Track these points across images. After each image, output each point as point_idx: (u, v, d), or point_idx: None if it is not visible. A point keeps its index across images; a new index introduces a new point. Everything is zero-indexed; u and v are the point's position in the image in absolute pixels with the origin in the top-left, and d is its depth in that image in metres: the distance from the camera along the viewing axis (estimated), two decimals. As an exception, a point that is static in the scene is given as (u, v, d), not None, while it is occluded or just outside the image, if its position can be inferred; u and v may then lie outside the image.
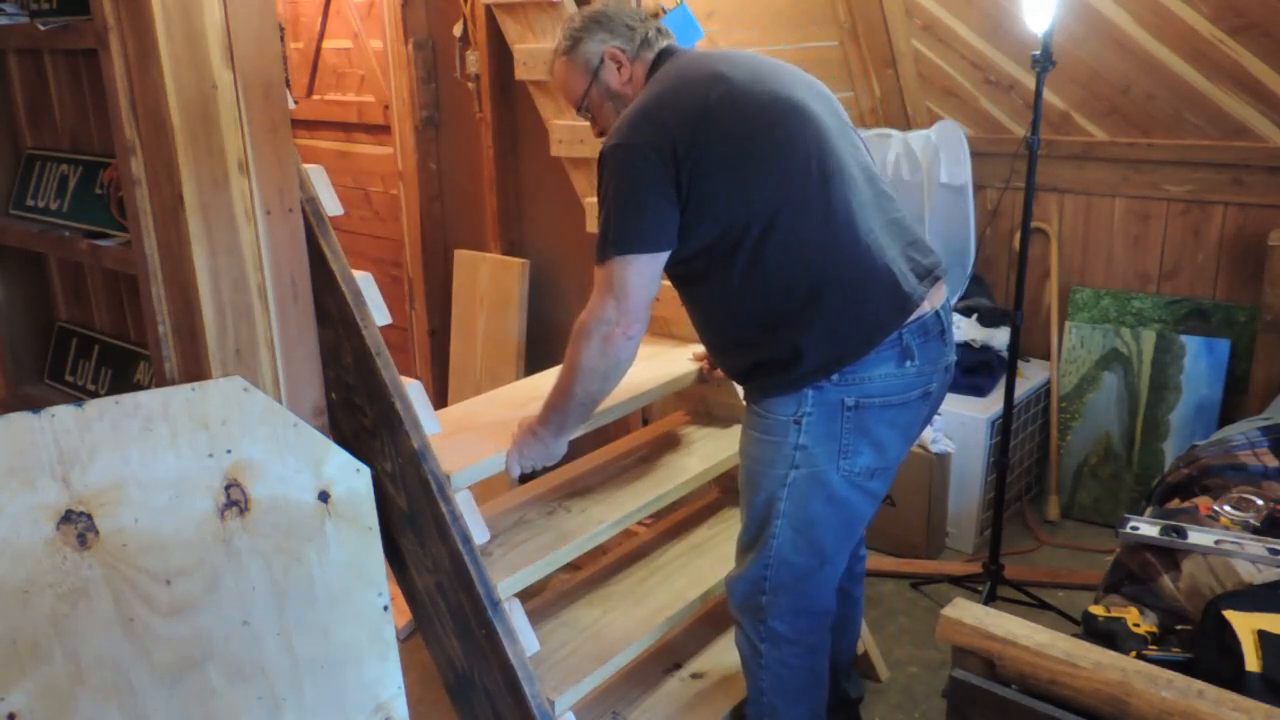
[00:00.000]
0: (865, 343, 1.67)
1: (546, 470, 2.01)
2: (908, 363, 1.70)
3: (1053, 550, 3.16)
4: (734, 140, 1.67)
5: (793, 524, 1.77)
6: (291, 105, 1.64)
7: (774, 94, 1.72)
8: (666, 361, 2.33)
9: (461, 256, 3.09)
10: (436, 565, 1.85)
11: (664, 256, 1.71)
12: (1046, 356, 3.47)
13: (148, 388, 1.74)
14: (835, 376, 1.68)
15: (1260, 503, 1.85)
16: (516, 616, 1.84)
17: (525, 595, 1.91)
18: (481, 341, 3.04)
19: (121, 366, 1.96)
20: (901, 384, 1.71)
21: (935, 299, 1.76)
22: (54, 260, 2.09)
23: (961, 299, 3.51)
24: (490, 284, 3.00)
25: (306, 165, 1.71)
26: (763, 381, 1.75)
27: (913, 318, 1.70)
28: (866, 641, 2.51)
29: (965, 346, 3.30)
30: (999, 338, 3.32)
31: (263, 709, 1.57)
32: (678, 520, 2.53)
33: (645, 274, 1.70)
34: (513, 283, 2.97)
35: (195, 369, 1.60)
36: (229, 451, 1.53)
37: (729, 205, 1.67)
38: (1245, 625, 1.47)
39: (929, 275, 1.76)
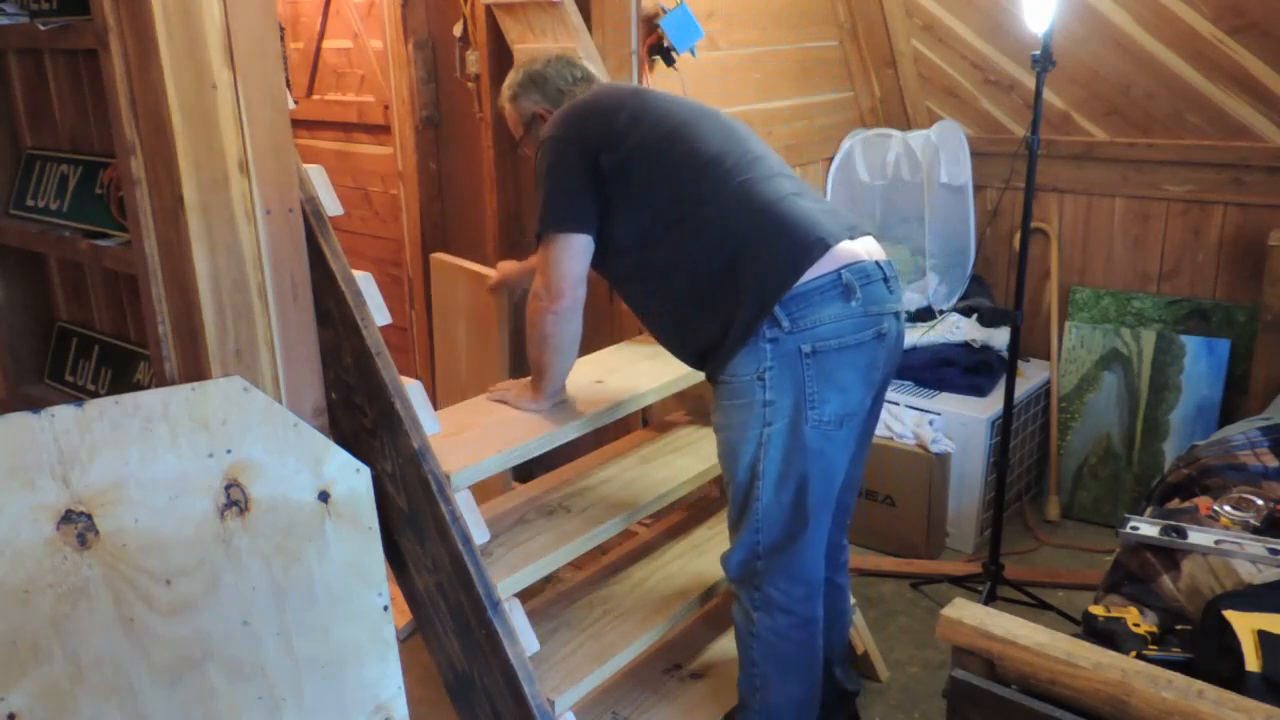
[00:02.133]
0: (799, 262, 1.76)
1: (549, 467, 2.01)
2: (853, 301, 1.77)
3: (1053, 550, 3.16)
4: (646, 145, 1.88)
5: (773, 483, 1.84)
6: (291, 105, 1.64)
7: (685, 103, 2.00)
8: (666, 362, 2.33)
9: (437, 262, 2.81)
10: (436, 565, 1.85)
11: (587, 239, 1.89)
12: (1046, 356, 3.47)
13: (148, 388, 1.74)
14: (787, 323, 1.74)
15: (1260, 503, 1.85)
16: (516, 616, 1.84)
17: (525, 595, 1.91)
18: (464, 344, 2.90)
19: (121, 366, 1.96)
20: (853, 324, 1.78)
21: (873, 252, 1.86)
22: (54, 260, 2.09)
23: (961, 299, 3.51)
24: (469, 295, 2.81)
25: (306, 165, 1.71)
26: (720, 351, 1.82)
27: (849, 261, 1.78)
28: (866, 641, 2.51)
29: (965, 346, 3.30)
30: (999, 338, 3.32)
31: (263, 709, 1.57)
32: (678, 520, 2.53)
33: (570, 252, 1.89)
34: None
35: (195, 369, 1.59)
36: (229, 451, 1.53)
37: (645, 202, 1.87)
38: (1245, 625, 1.47)
39: (853, 229, 1.86)
